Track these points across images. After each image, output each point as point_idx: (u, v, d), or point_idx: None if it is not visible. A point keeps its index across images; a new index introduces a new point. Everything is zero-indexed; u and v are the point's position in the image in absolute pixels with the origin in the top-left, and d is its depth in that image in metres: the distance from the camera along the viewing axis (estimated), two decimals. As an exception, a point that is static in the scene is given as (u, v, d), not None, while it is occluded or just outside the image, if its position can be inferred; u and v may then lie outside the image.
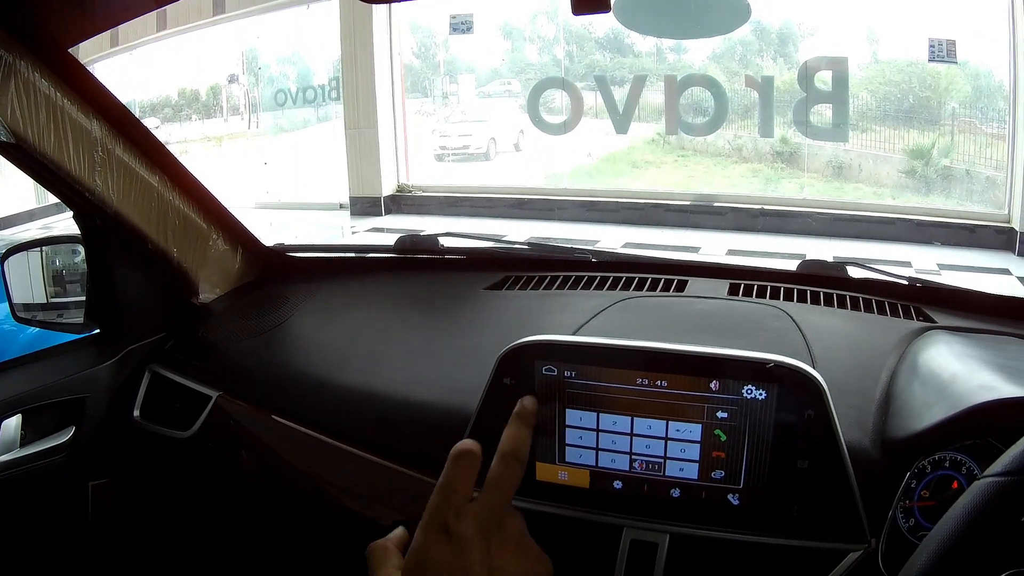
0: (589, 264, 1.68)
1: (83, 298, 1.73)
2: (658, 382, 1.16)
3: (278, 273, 1.87)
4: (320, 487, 1.43)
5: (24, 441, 1.57)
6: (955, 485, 1.11)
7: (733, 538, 1.16)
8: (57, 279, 1.77)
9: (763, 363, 1.12)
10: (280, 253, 1.90)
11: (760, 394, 1.13)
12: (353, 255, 1.93)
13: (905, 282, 1.56)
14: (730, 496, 1.16)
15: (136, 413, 1.66)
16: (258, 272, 1.85)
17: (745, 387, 1.13)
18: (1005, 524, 0.80)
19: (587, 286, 1.57)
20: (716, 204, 9.29)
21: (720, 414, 1.15)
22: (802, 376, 1.11)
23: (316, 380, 1.49)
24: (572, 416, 1.20)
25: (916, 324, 1.42)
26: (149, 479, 1.72)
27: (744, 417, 1.14)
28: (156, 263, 1.65)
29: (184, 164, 1.63)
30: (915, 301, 1.49)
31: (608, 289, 1.56)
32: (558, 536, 1.23)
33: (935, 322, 1.43)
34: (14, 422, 1.55)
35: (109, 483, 1.69)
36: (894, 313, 1.45)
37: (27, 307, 1.74)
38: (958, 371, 1.22)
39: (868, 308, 1.46)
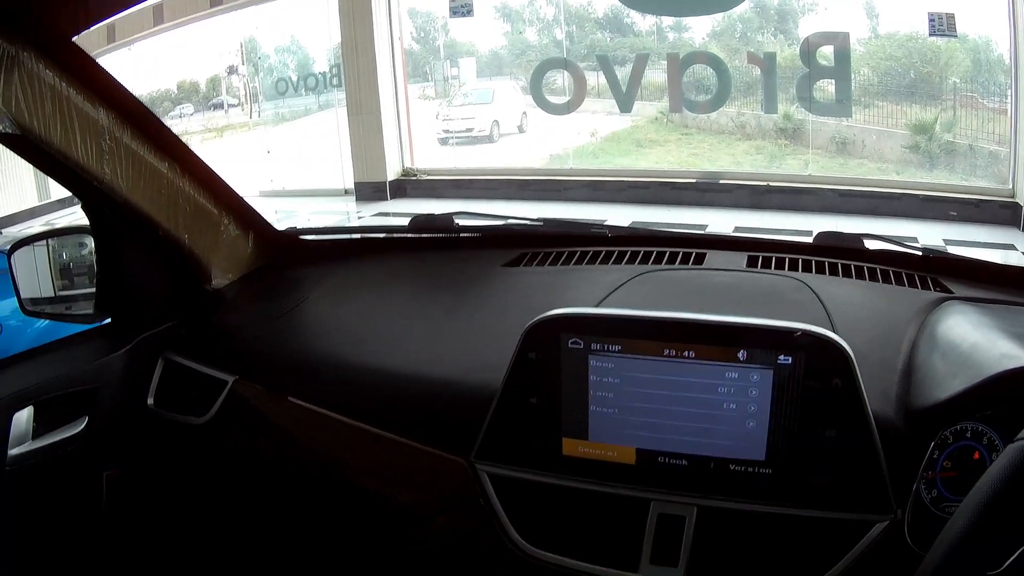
0: (605, 239, 1.66)
1: (92, 290, 1.71)
2: (686, 352, 1.16)
3: (291, 257, 1.85)
4: (339, 469, 1.42)
5: (36, 434, 1.55)
6: (976, 456, 1.11)
7: (761, 510, 1.16)
8: (65, 272, 1.76)
9: (790, 332, 1.12)
10: (292, 237, 1.88)
11: (787, 362, 1.12)
12: (366, 236, 1.91)
13: (920, 253, 1.54)
14: (758, 467, 1.16)
15: (150, 401, 1.64)
16: (270, 256, 1.83)
17: (773, 356, 1.12)
18: None
19: (605, 260, 1.56)
20: (722, 182, 9.25)
21: (748, 384, 1.14)
22: (829, 345, 1.11)
23: (333, 362, 1.47)
24: (598, 390, 1.19)
25: (933, 295, 1.41)
26: (164, 467, 1.70)
27: (772, 387, 1.13)
28: (167, 250, 1.63)
29: (192, 150, 1.61)
30: (931, 272, 1.48)
31: (626, 263, 1.54)
32: (585, 511, 1.22)
33: (952, 293, 1.42)
34: (25, 415, 1.52)
35: (123, 472, 1.68)
36: (911, 284, 1.44)
37: (35, 301, 1.72)
38: (978, 341, 1.21)
39: (886, 279, 1.45)
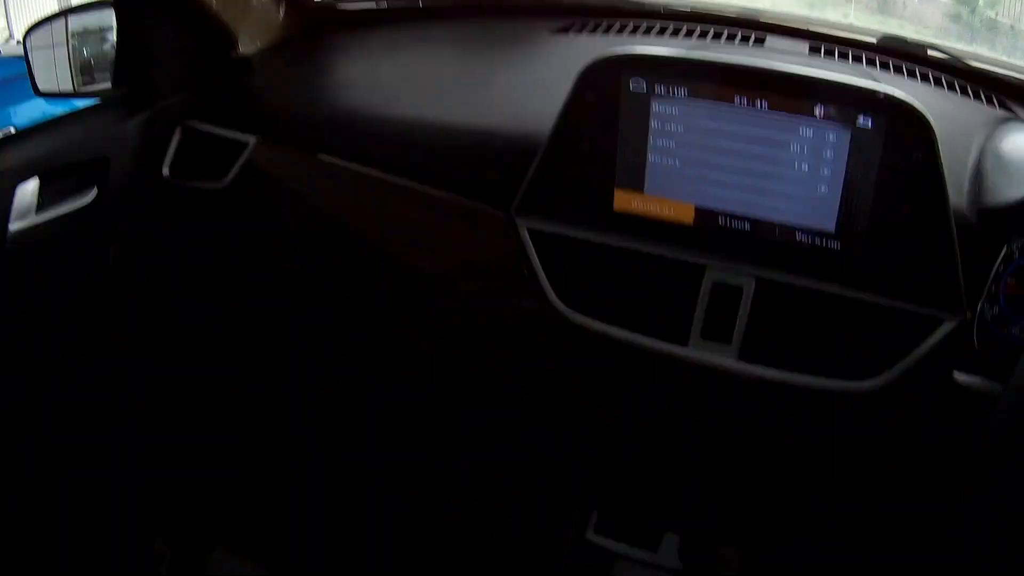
0: (660, 14, 1.56)
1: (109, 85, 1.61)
2: (758, 102, 1.05)
3: (326, 27, 1.74)
4: (367, 232, 1.34)
5: (41, 207, 1.47)
6: None
7: (825, 289, 1.07)
8: (85, 69, 1.66)
9: (873, 93, 1.01)
10: (329, 6, 1.77)
11: (867, 125, 1.01)
12: (409, 3, 1.79)
13: (988, 70, 1.44)
14: (826, 239, 1.06)
15: (165, 171, 1.54)
16: (303, 25, 1.72)
17: (852, 116, 1.02)
18: None
19: (660, 34, 1.45)
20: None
21: (823, 144, 1.04)
22: (913, 113, 1.00)
23: (369, 116, 1.36)
24: (659, 138, 1.09)
25: (999, 112, 1.30)
26: (177, 240, 1.62)
27: (848, 150, 1.03)
28: (192, 17, 1.53)
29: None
30: (996, 92, 1.38)
31: (683, 38, 1.44)
32: (632, 276, 1.14)
33: (1017, 115, 1.31)
34: (31, 187, 1.43)
35: (132, 247, 1.60)
36: (976, 98, 1.33)
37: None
38: None
39: (951, 88, 1.35)
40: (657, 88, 1.07)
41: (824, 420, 1.11)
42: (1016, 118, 1.29)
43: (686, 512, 1.23)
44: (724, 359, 1.10)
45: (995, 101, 1.34)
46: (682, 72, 1.07)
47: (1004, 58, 1.41)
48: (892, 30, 1.39)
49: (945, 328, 1.03)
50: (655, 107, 1.08)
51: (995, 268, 1.03)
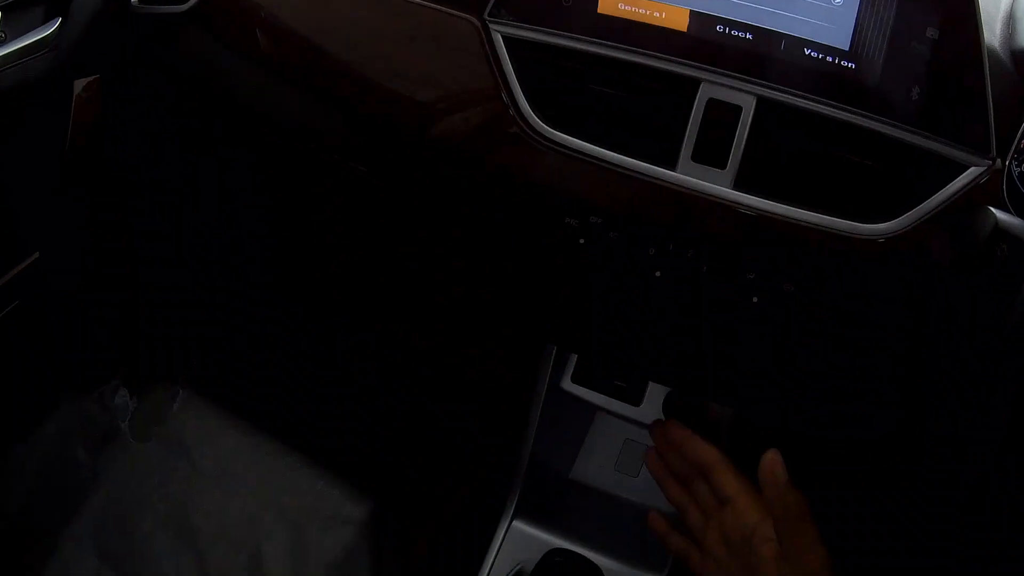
0: None
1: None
2: None
3: None
4: (339, 57, 1.20)
5: (1, 42, 1.35)
6: None
7: (835, 115, 0.94)
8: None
9: None
10: None
11: None
12: None
13: None
14: (839, 58, 0.93)
15: None
16: None
17: None
18: None
19: None
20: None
21: None
22: None
23: None
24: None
25: None
26: (144, 72, 1.52)
27: None
28: None
29: None
30: None
31: None
32: (616, 90, 1.01)
33: None
34: None
35: (98, 81, 1.50)
36: None
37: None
38: None
39: None
40: None
41: (829, 268, 0.99)
42: None
43: (670, 364, 1.13)
44: (717, 186, 0.98)
45: None
46: None
47: None
48: None
49: (972, 173, 0.91)
50: None
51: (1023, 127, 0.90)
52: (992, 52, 0.92)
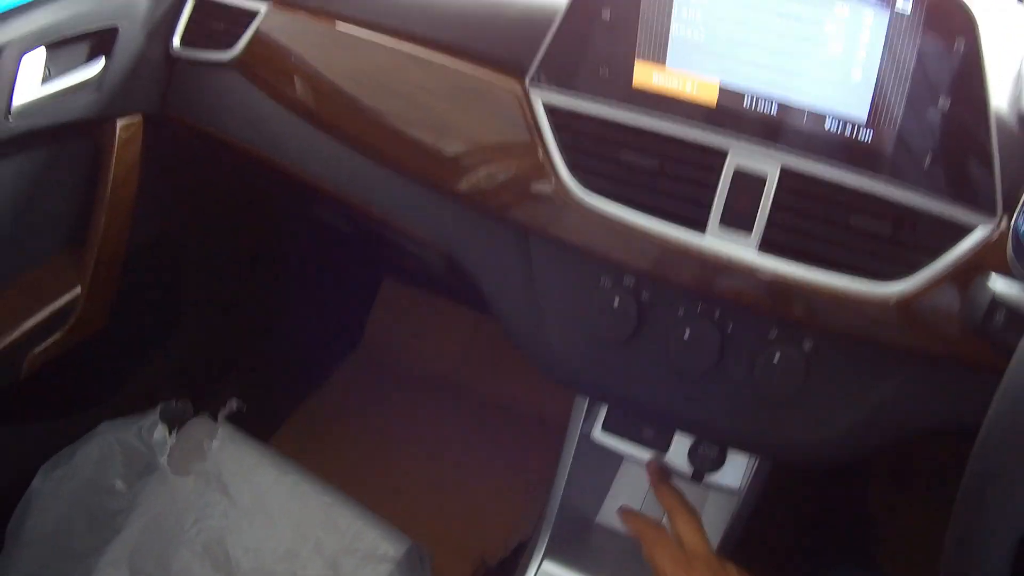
0: None
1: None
2: None
3: None
4: (380, 108, 1.28)
5: (47, 79, 1.42)
6: None
7: (853, 183, 1.00)
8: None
9: None
10: None
11: (906, 11, 0.93)
12: None
13: None
14: (857, 128, 0.99)
15: (175, 42, 1.51)
16: None
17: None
18: None
19: None
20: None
21: (859, 26, 0.96)
22: (957, 1, 0.92)
23: None
24: (684, 7, 1.01)
25: None
26: (187, 113, 1.59)
27: (886, 34, 0.95)
28: None
29: None
30: None
31: None
32: (650, 157, 1.07)
33: None
34: (37, 57, 1.38)
35: (140, 121, 1.57)
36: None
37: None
38: None
39: None
40: (685, -48, 0.99)
41: (846, 327, 1.04)
42: None
43: (696, 417, 1.19)
44: (744, 250, 1.04)
45: None
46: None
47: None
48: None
49: (979, 233, 0.96)
50: (682, -31, 1.00)
51: None
52: (1000, 114, 0.98)
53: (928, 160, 0.97)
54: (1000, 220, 0.96)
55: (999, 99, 1.00)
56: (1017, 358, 0.68)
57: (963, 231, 0.97)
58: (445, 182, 1.22)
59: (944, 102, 0.95)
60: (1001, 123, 0.97)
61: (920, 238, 1.00)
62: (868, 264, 1.01)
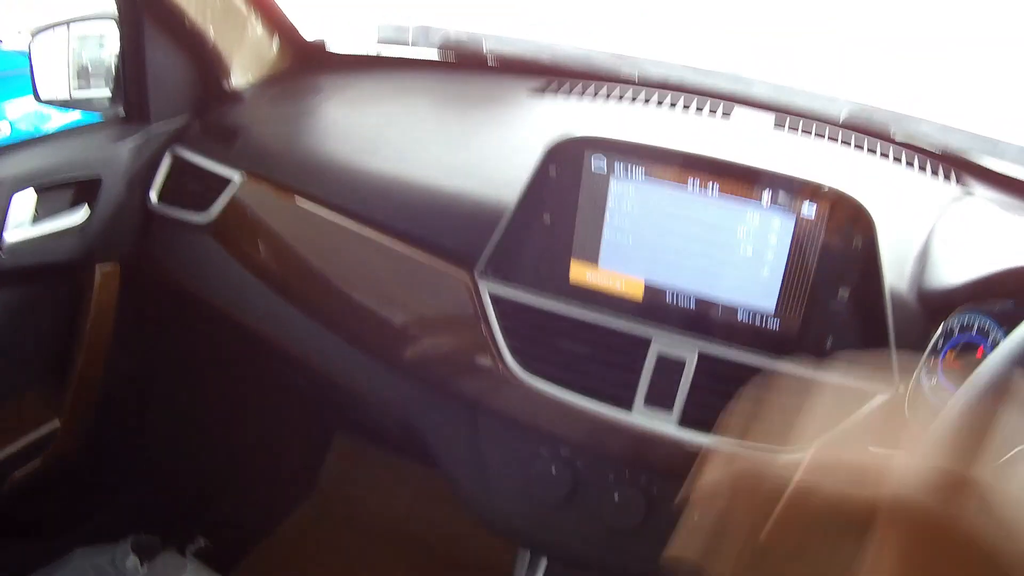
0: (633, 82, 1.62)
1: (107, 92, 1.67)
2: (710, 186, 1.12)
3: (314, 66, 1.80)
4: (338, 277, 1.40)
5: (36, 219, 1.52)
6: (980, 352, 1.08)
7: (762, 364, 1.14)
8: (82, 73, 1.72)
9: (818, 186, 1.09)
10: (319, 47, 1.83)
11: (811, 215, 1.09)
12: (394, 55, 1.86)
13: (950, 146, 1.50)
14: (766, 318, 1.14)
15: (153, 196, 1.61)
16: (293, 63, 1.79)
17: (797, 206, 1.09)
18: None
19: (632, 101, 1.51)
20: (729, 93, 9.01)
21: (768, 231, 1.11)
22: (854, 205, 1.08)
23: (345, 165, 1.43)
24: (615, 216, 1.17)
25: (957, 189, 1.37)
26: (160, 266, 1.68)
27: (792, 237, 1.10)
28: (189, 44, 1.59)
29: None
30: (955, 168, 1.45)
31: (654, 106, 1.50)
32: (584, 344, 1.21)
33: (972, 192, 1.38)
34: (28, 197, 1.49)
35: (117, 268, 1.67)
36: (934, 174, 1.40)
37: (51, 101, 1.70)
38: (997, 236, 1.20)
39: (910, 165, 1.41)
40: (616, 168, 1.15)
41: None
42: (970, 195, 1.36)
43: (630, 567, 1.29)
44: (665, 425, 1.17)
45: (953, 177, 1.40)
46: (640, 155, 1.15)
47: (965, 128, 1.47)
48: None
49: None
50: (613, 186, 1.16)
51: (935, 341, 1.09)
52: (897, 292, 1.13)
53: (830, 341, 1.12)
54: (897, 387, 1.10)
55: (899, 277, 1.15)
56: None
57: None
58: (398, 357, 1.34)
59: (844, 292, 1.11)
60: (899, 300, 1.12)
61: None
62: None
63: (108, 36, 1.60)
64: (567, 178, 1.18)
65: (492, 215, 1.25)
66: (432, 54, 1.79)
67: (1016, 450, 0.76)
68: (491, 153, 1.40)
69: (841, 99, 1.50)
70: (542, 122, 1.46)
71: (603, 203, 1.17)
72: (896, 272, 1.14)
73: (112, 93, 1.63)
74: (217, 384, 2.05)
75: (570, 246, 1.20)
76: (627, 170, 1.15)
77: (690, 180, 1.13)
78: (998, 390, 0.72)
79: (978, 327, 1.08)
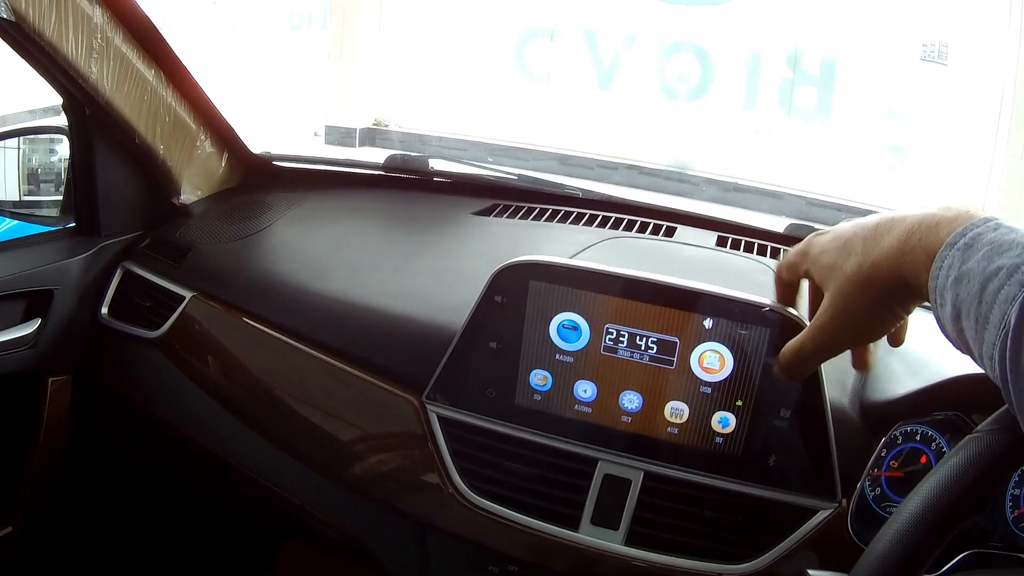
0: (578, 200, 1.67)
1: (57, 198, 1.69)
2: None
3: (262, 181, 1.84)
4: (287, 397, 1.42)
5: None
6: (923, 459, 1.12)
7: (706, 482, 1.17)
8: (32, 177, 1.74)
9: (759, 307, 1.12)
10: (266, 161, 1.87)
11: (751, 339, 1.13)
12: (340, 169, 1.90)
13: None
14: (710, 439, 1.17)
15: (104, 311, 1.63)
16: (242, 178, 1.82)
17: (738, 329, 1.13)
18: (995, 475, 0.80)
19: (576, 221, 1.56)
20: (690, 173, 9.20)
21: (710, 354, 1.14)
22: (795, 325, 1.09)
23: (294, 287, 1.47)
24: (560, 342, 1.20)
25: None
26: (111, 379, 1.70)
27: (733, 360, 1.14)
28: (139, 160, 1.62)
29: (182, 62, 1.60)
30: None
31: (597, 226, 1.55)
32: (531, 465, 1.23)
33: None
34: None
35: (69, 380, 1.68)
36: None
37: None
38: (937, 346, 1.21)
39: None
40: (559, 293, 1.18)
41: None
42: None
43: None
44: (612, 544, 1.19)
45: None
46: (582, 280, 1.18)
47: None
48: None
49: (820, 516, 1.13)
50: (557, 313, 1.19)
51: (877, 452, 1.13)
52: (839, 407, 1.16)
53: (773, 460, 1.15)
54: (840, 502, 1.13)
55: (841, 393, 1.19)
56: None
57: (807, 514, 1.14)
58: (346, 475, 1.36)
59: (785, 412, 1.14)
60: (840, 416, 1.15)
61: (768, 524, 1.16)
62: (722, 549, 1.17)
63: (61, 151, 1.63)
64: (511, 304, 1.21)
65: (439, 340, 1.28)
66: (378, 165, 1.83)
67: None
68: (437, 277, 1.44)
69: (783, 216, 1.56)
70: (484, 245, 1.50)
71: (547, 326, 1.20)
72: (838, 388, 1.19)
73: (63, 203, 1.65)
74: (166, 494, 2.05)
75: (516, 370, 1.23)
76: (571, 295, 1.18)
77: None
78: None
79: (921, 435, 1.13)
